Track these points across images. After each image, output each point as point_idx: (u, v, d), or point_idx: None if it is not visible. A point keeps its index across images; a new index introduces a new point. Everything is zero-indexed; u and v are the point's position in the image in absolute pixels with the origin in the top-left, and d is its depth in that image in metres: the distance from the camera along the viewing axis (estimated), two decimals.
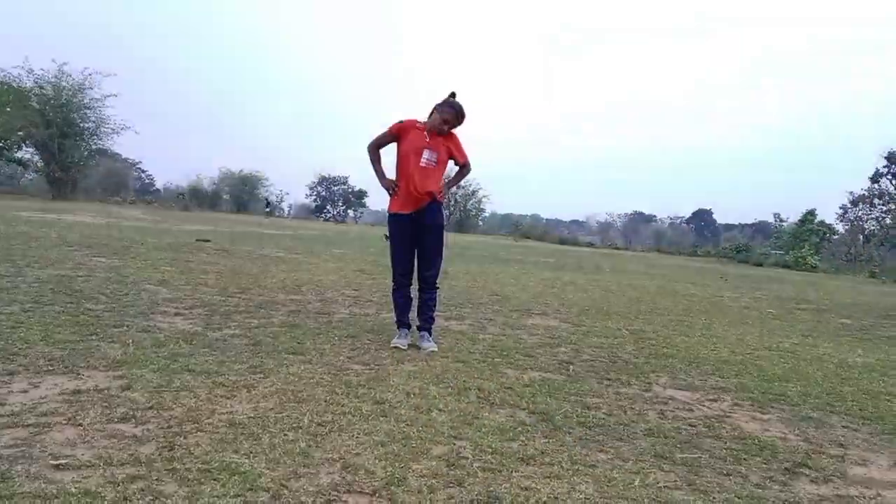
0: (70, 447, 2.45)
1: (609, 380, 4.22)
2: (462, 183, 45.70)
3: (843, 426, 3.62)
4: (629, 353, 5.17)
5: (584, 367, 4.52)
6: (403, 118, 4.86)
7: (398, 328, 4.90)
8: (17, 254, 7.82)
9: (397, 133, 4.83)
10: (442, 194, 4.87)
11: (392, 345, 4.69)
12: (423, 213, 4.78)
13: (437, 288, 4.98)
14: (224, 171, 45.15)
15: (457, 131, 4.89)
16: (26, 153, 31.27)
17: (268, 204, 43.55)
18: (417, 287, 4.95)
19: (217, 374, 3.51)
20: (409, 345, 4.74)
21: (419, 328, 4.91)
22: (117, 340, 4.09)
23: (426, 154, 4.72)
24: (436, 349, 4.69)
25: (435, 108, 4.79)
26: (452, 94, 4.84)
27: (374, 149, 4.93)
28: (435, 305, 4.99)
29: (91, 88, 29.85)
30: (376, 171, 4.93)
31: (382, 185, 4.89)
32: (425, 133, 4.77)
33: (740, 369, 4.92)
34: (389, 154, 4.92)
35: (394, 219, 4.87)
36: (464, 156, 4.95)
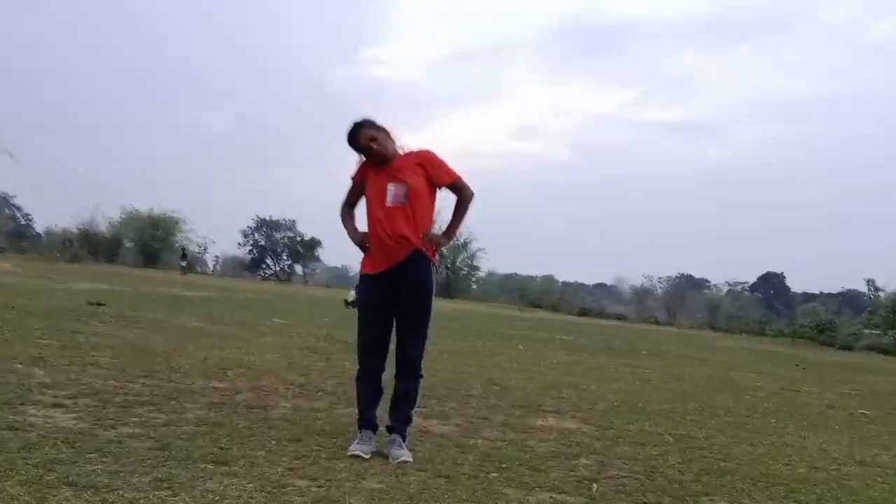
0: None
1: (646, 503, 4.18)
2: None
3: None
4: (673, 468, 5.13)
5: (612, 487, 4.47)
6: (358, 161, 4.96)
7: (360, 429, 4.85)
8: None
9: (360, 180, 4.93)
10: (432, 243, 4.85)
11: (350, 452, 4.63)
12: (401, 270, 4.79)
13: (420, 376, 4.97)
14: (128, 211, 45.32)
15: (431, 146, 4.93)
16: None
17: (184, 256, 43.45)
18: (394, 373, 4.94)
19: (108, 490, 3.45)
20: (373, 452, 4.69)
21: (389, 429, 4.87)
22: None
23: (391, 189, 4.74)
24: (410, 459, 4.64)
25: None
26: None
27: (348, 209, 5.06)
28: (415, 399, 4.97)
29: None
30: (346, 227, 5.03)
31: (354, 242, 4.95)
32: (378, 166, 4.84)
33: (823, 491, 4.88)
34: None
35: (365, 281, 4.89)
36: (450, 173, 4.94)
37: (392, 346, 4.95)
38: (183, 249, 44.68)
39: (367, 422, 4.86)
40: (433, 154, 4.93)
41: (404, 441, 4.81)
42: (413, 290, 4.82)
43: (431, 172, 4.87)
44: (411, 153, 4.89)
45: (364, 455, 4.60)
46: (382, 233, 4.74)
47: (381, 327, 4.87)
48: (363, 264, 4.91)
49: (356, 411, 4.94)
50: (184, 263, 42.59)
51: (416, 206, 4.78)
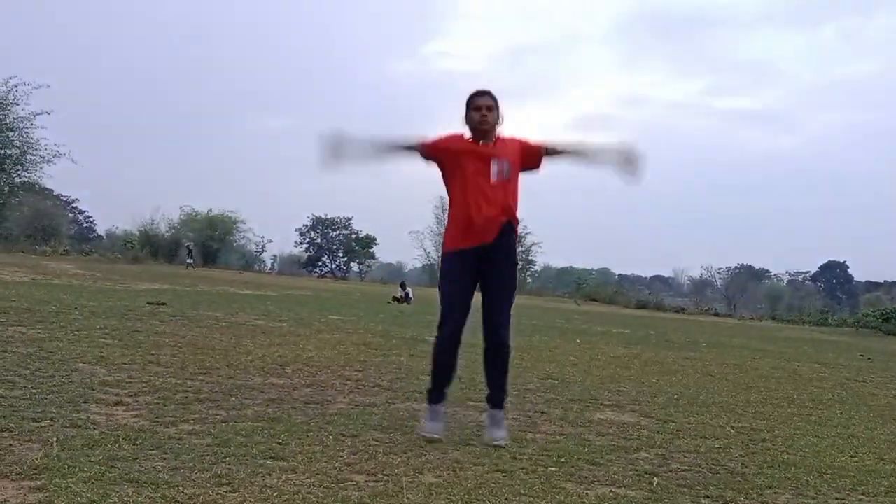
0: None
1: (709, 497, 4.11)
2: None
3: None
4: (736, 461, 5.05)
5: (674, 481, 4.41)
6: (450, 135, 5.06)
7: (431, 403, 4.93)
8: None
9: (442, 152, 4.98)
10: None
11: (423, 434, 4.74)
12: (495, 245, 4.84)
13: (509, 346, 5.05)
14: (187, 212, 45.97)
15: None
16: None
17: (189, 253, 43.05)
18: (483, 347, 5.04)
19: (168, 486, 3.49)
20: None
21: (489, 399, 4.99)
22: (37, 439, 4.09)
23: (495, 166, 4.84)
24: (505, 442, 4.76)
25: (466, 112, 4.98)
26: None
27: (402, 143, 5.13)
28: (508, 369, 5.08)
29: (17, 104, 30.80)
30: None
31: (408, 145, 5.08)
32: (480, 143, 4.91)
33: (892, 483, 4.76)
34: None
35: (454, 256, 4.94)
36: (537, 142, 5.10)
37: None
38: (188, 247, 44.64)
39: (441, 395, 4.96)
40: (524, 139, 5.07)
41: (501, 413, 4.98)
42: (502, 261, 4.91)
43: (527, 156, 5.03)
44: (506, 139, 5.00)
45: (437, 437, 4.71)
46: (487, 207, 4.78)
47: (468, 298, 4.93)
48: (451, 240, 4.95)
49: (430, 382, 5.04)
50: (190, 260, 42.38)
51: (516, 184, 4.94)
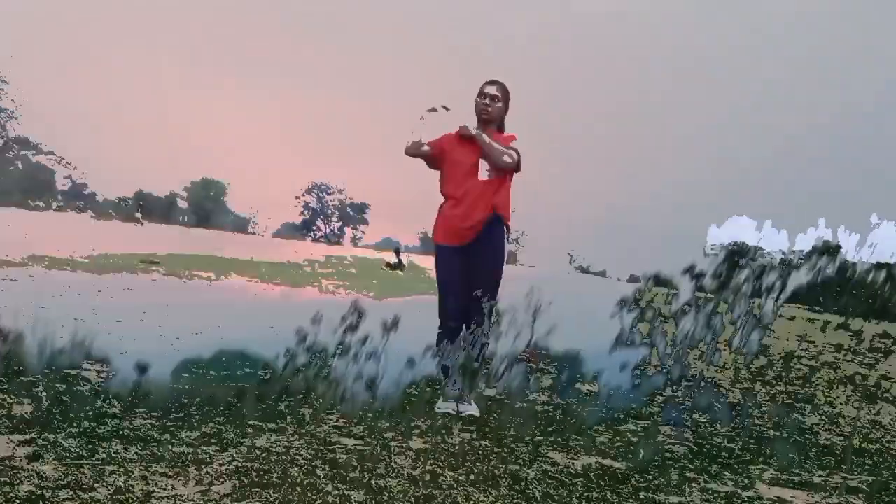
0: None
1: (694, 471, 4.13)
2: None
3: None
4: (722, 436, 5.08)
5: (659, 453, 4.43)
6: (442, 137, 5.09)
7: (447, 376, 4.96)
8: None
9: (438, 151, 5.01)
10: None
11: (440, 409, 4.82)
12: (478, 237, 4.91)
13: (486, 342, 5.03)
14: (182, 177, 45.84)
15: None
16: None
17: (140, 208, 42.76)
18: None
19: (157, 444, 3.50)
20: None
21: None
22: (26, 393, 4.10)
23: (484, 164, 4.88)
24: (477, 413, 4.79)
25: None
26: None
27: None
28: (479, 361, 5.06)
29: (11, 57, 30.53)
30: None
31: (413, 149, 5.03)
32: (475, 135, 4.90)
33: (876, 462, 4.80)
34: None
35: (445, 253, 5.00)
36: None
37: None
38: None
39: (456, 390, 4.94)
40: (514, 139, 5.05)
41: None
42: (486, 254, 4.94)
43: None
44: (501, 136, 5.01)
45: (453, 412, 4.78)
46: (471, 204, 4.87)
47: (463, 296, 4.96)
48: (439, 234, 5.01)
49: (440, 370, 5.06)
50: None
51: (504, 182, 4.96)
